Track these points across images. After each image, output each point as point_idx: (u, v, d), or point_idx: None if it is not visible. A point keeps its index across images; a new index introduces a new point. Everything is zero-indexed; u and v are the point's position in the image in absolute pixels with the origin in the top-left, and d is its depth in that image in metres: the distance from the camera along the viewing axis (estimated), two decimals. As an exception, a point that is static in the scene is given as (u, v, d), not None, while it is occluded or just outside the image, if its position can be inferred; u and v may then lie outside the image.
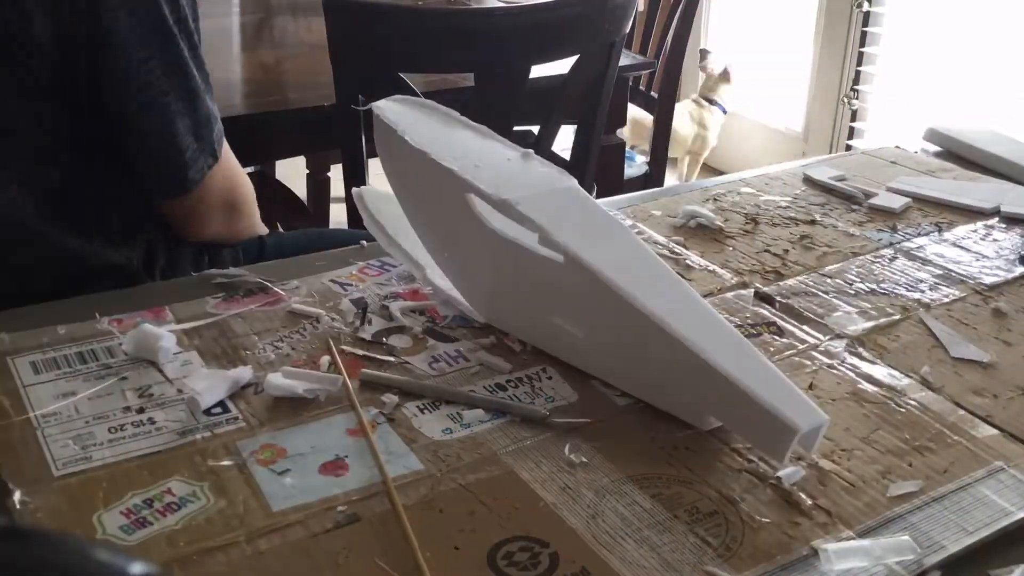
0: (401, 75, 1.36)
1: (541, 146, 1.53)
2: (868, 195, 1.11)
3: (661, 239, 0.99)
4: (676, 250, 0.96)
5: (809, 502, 0.62)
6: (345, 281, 0.89)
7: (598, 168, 1.84)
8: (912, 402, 0.73)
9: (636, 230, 1.01)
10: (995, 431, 0.70)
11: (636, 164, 2.57)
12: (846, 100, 3.05)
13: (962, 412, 0.72)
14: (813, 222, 1.04)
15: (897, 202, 1.09)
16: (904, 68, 2.91)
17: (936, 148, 1.30)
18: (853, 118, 3.07)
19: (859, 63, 3.03)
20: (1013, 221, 1.05)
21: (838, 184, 1.13)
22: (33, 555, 0.36)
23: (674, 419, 0.70)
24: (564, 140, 1.66)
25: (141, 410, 0.70)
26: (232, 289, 0.86)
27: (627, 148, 2.31)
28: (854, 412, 0.71)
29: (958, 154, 1.26)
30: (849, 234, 1.01)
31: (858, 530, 0.60)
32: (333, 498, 0.62)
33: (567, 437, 0.68)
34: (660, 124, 2.57)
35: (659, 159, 2.54)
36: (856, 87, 3.04)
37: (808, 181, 1.16)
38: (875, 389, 0.74)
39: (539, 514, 0.61)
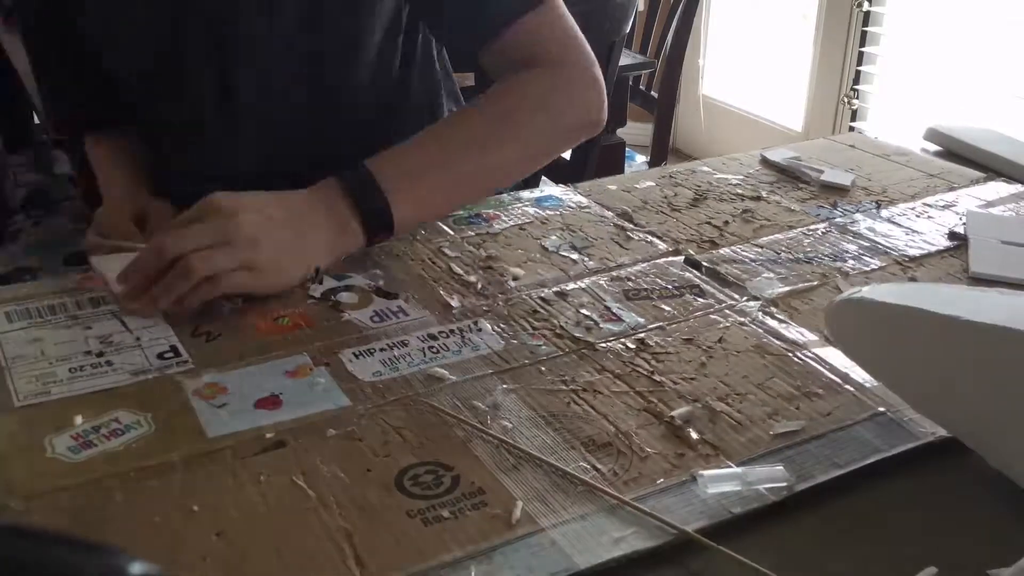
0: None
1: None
2: (820, 173, 1.15)
3: (608, 213, 1.04)
4: (618, 222, 1.02)
5: (696, 437, 0.68)
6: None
7: (598, 168, 1.90)
8: (811, 355, 0.78)
9: (584, 205, 1.06)
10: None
11: (636, 164, 2.62)
12: (846, 100, 3.09)
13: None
14: (758, 198, 1.09)
15: (847, 178, 1.13)
16: (904, 68, 2.94)
17: (936, 148, 1.32)
18: (853, 118, 3.11)
19: (859, 63, 3.06)
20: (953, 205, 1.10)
21: (791, 164, 1.18)
22: (35, 554, 0.38)
23: (583, 365, 0.76)
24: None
25: (100, 354, 0.77)
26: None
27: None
28: (755, 362, 0.77)
29: (958, 154, 1.27)
30: (791, 209, 1.07)
31: (738, 463, 0.65)
32: (264, 427, 0.68)
33: (487, 381, 0.74)
34: (660, 124, 2.62)
35: (659, 159, 2.60)
36: (856, 87, 3.07)
37: (764, 162, 1.21)
38: (779, 343, 0.79)
39: (449, 444, 0.67)
